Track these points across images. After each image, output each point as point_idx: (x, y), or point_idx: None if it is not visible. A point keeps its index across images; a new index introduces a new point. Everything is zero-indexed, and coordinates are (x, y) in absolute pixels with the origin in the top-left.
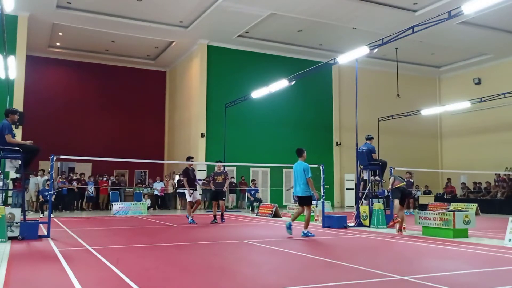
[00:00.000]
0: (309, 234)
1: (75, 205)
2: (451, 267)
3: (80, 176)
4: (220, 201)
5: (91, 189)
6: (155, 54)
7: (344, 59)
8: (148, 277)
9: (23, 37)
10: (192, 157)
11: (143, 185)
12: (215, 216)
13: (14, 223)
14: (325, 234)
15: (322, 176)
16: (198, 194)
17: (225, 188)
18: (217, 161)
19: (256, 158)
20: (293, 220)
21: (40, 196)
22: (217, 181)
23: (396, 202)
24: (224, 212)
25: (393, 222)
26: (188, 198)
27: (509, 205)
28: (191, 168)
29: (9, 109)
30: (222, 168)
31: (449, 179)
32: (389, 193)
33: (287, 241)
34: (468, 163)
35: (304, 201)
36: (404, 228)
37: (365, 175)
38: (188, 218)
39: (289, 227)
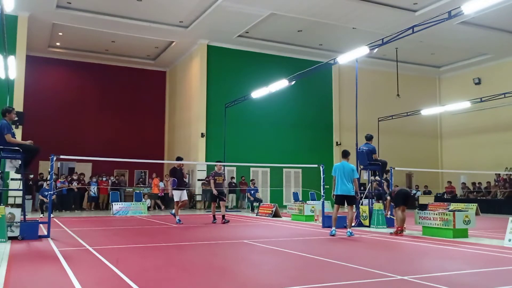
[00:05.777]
0: (352, 234)
1: (75, 205)
2: (451, 267)
3: (79, 176)
4: (221, 202)
5: (94, 189)
6: (155, 54)
7: (344, 59)
8: (148, 277)
9: (23, 37)
10: (182, 158)
11: (144, 186)
12: (214, 216)
13: (14, 223)
14: (325, 234)
15: (322, 176)
16: (185, 194)
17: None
18: (217, 161)
19: (256, 158)
20: (350, 226)
21: (40, 196)
22: (217, 181)
23: (399, 212)
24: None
25: (396, 233)
26: (175, 198)
27: (509, 205)
28: (179, 168)
29: (5, 108)
30: (222, 168)
31: (449, 182)
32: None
33: (287, 241)
34: (468, 163)
35: (352, 200)
36: (404, 228)
37: (365, 175)
38: (175, 217)
39: (351, 234)
